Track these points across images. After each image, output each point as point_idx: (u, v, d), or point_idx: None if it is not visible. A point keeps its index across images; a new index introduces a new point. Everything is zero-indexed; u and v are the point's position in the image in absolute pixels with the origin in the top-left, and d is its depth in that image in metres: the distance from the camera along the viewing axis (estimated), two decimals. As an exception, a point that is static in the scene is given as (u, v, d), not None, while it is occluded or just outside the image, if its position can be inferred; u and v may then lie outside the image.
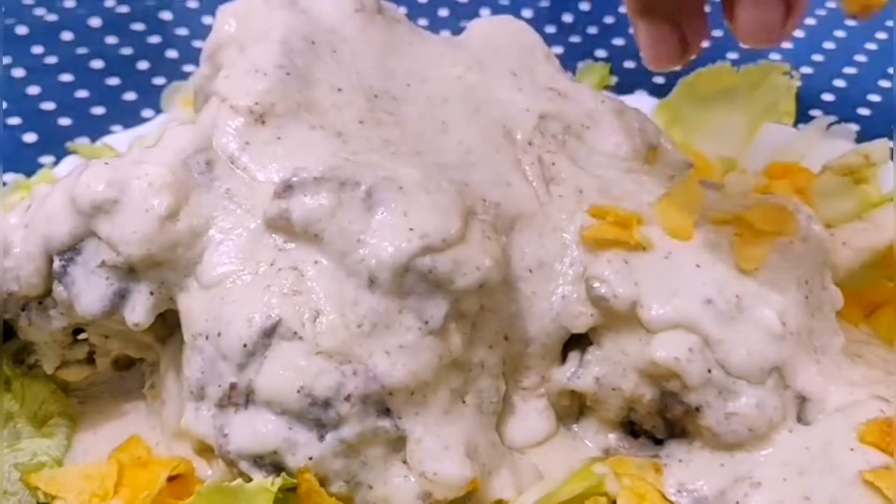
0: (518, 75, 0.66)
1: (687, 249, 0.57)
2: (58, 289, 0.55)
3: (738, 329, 0.54)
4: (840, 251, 0.69)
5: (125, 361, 0.64)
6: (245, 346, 0.51)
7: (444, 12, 1.13)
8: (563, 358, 0.60)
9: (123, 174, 0.54)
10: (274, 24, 0.65)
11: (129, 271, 0.54)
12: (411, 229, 0.52)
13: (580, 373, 0.58)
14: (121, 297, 0.55)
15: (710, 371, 0.54)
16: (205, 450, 0.55)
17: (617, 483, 0.55)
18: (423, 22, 1.12)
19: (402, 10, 1.05)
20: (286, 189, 0.54)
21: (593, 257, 0.57)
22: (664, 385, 0.55)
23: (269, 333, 0.51)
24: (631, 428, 0.59)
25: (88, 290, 0.54)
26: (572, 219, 0.59)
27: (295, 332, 0.51)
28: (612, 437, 0.59)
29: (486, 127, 0.62)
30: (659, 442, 0.58)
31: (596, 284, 0.56)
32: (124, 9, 1.13)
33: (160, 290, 0.55)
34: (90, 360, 0.61)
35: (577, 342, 0.59)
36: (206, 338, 0.52)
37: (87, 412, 0.62)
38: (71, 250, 0.55)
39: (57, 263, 0.55)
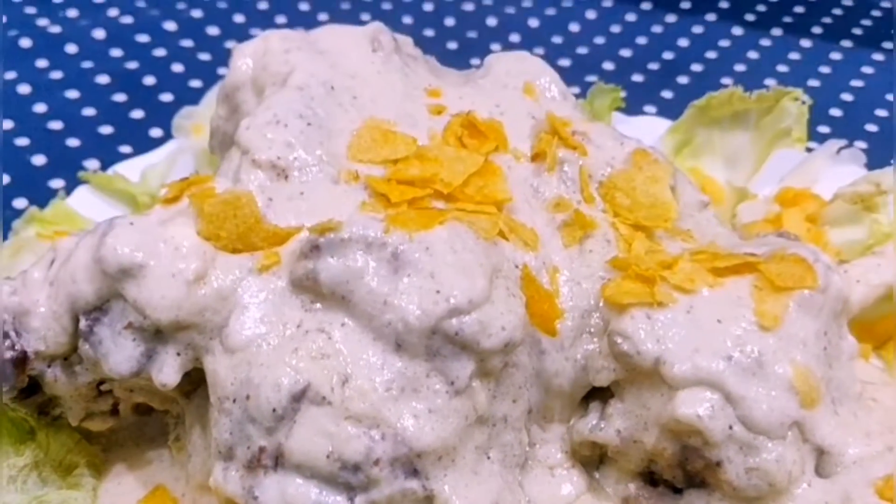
0: (536, 119, 0.66)
1: (708, 303, 0.58)
2: (84, 347, 0.55)
3: (759, 385, 0.55)
4: (853, 288, 0.70)
5: (146, 407, 0.64)
6: (274, 410, 0.52)
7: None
8: (583, 405, 0.61)
9: (150, 237, 0.54)
10: (292, 67, 0.65)
11: (156, 333, 0.55)
12: (438, 291, 0.53)
13: (602, 425, 0.58)
14: (148, 357, 0.55)
15: (731, 427, 0.55)
16: (233, 507, 0.55)
17: (638, 534, 0.56)
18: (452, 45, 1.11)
19: (430, 32, 1.05)
20: (313, 249, 0.54)
21: (616, 312, 0.57)
22: (685, 440, 0.56)
23: (299, 398, 0.52)
24: (651, 477, 0.60)
25: (116, 351, 0.54)
26: (597, 274, 0.59)
27: (324, 397, 0.52)
28: (632, 487, 0.60)
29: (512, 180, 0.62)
30: (678, 491, 0.59)
31: (619, 340, 0.57)
32: (128, 19, 1.12)
33: (187, 351, 0.55)
34: (114, 410, 0.61)
35: (597, 392, 0.60)
36: (234, 401, 0.53)
37: (111, 460, 0.63)
38: (97, 310, 0.55)
39: (83, 323, 0.55)
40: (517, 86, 0.70)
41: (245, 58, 0.67)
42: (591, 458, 0.61)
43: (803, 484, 0.56)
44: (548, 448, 0.61)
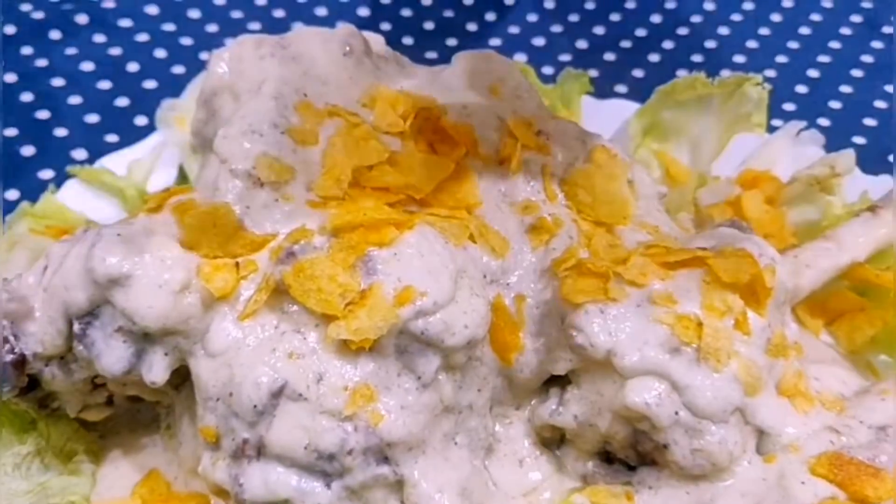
0: (502, 119, 0.69)
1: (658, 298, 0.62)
2: (78, 348, 0.60)
3: (704, 375, 0.60)
4: (804, 273, 0.74)
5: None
6: (255, 406, 0.56)
7: (429, 25, 1.14)
8: (544, 389, 0.66)
9: (136, 248, 0.57)
10: (266, 75, 0.68)
11: (145, 335, 0.59)
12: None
13: (560, 410, 0.63)
14: (137, 357, 0.59)
15: (677, 413, 0.60)
16: (221, 492, 0.60)
17: (594, 511, 0.61)
18: (407, 40, 1.13)
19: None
20: (288, 255, 0.58)
21: (572, 307, 0.61)
22: (636, 424, 0.61)
23: (277, 395, 0.56)
24: (607, 456, 0.65)
25: (108, 352, 0.59)
26: (554, 269, 0.63)
27: (300, 394, 0.56)
28: (590, 465, 0.65)
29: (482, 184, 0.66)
30: (632, 468, 0.64)
31: (574, 334, 0.61)
32: (110, 3, 1.13)
33: (174, 352, 0.59)
34: (109, 402, 0.66)
35: (556, 379, 0.65)
36: (218, 400, 0.57)
37: (108, 447, 0.67)
38: (89, 315, 0.59)
39: (77, 326, 0.59)
40: (483, 85, 0.73)
41: (221, 63, 0.69)
42: (552, 439, 0.65)
43: (744, 462, 0.61)
44: (514, 435, 0.66)
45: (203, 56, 1.08)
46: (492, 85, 0.73)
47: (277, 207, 0.61)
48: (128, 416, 0.69)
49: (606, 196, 0.68)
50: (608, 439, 0.63)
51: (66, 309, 0.59)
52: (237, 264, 0.60)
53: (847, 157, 0.85)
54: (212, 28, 1.12)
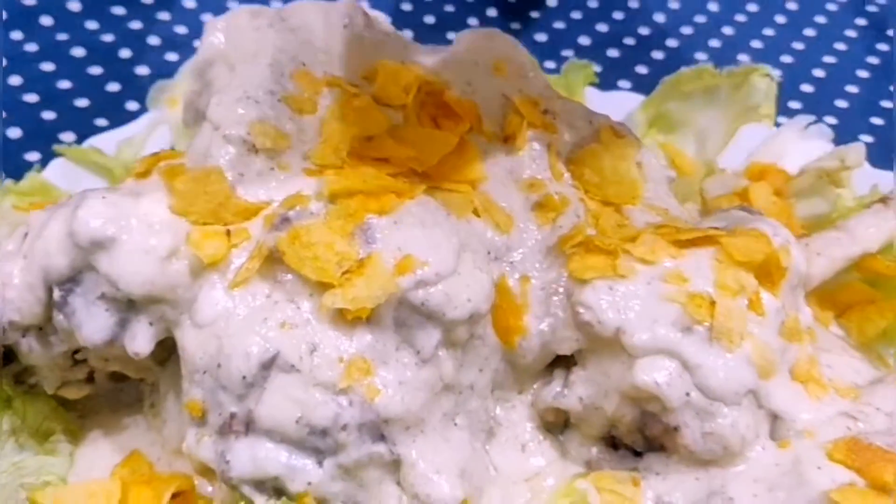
0: (507, 97, 0.67)
1: (669, 275, 0.59)
2: (58, 318, 0.57)
3: (717, 354, 0.57)
4: (815, 261, 0.72)
5: (122, 374, 0.65)
6: (244, 377, 0.53)
7: (430, 19, 1.13)
8: (548, 372, 0.63)
9: (122, 211, 0.55)
10: (263, 43, 0.65)
11: (129, 303, 0.56)
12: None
13: (565, 392, 0.60)
14: (121, 326, 0.56)
15: (688, 394, 0.57)
16: (206, 471, 0.57)
17: (598, 497, 0.58)
18: (407, 33, 1.11)
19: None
20: (283, 221, 0.55)
21: (579, 284, 0.59)
22: (644, 406, 0.58)
23: (268, 366, 0.53)
24: (612, 441, 0.62)
25: (89, 321, 0.56)
26: (561, 247, 0.60)
27: (292, 365, 0.53)
28: (595, 450, 0.62)
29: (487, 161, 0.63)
30: (638, 454, 0.61)
31: (581, 311, 0.58)
32: (104, -9, 1.11)
33: (159, 322, 0.56)
34: (89, 378, 0.62)
35: (561, 360, 0.62)
36: (205, 373, 0.54)
37: (87, 426, 0.64)
38: (70, 281, 0.56)
39: (57, 294, 0.56)
40: (487, 63, 0.71)
41: (216, 33, 0.67)
42: (556, 424, 0.62)
43: (757, 447, 0.58)
44: (516, 419, 0.63)
45: (197, 44, 1.05)
46: (496, 63, 0.71)
47: (272, 175, 0.59)
48: (110, 395, 0.66)
49: (615, 175, 0.66)
50: (614, 423, 0.60)
51: (46, 275, 0.56)
52: (228, 232, 0.57)
53: (857, 149, 0.83)
54: (207, 17, 1.10)
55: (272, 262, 0.55)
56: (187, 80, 0.69)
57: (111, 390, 0.66)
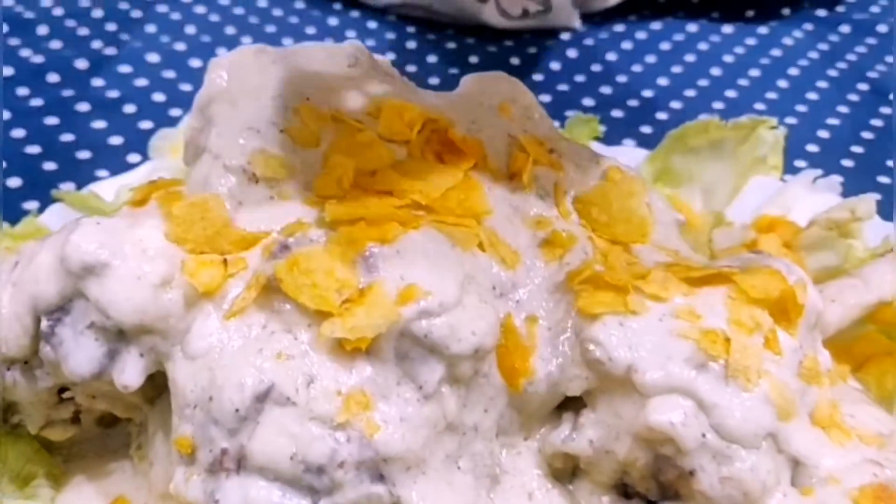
0: (513, 136, 0.66)
1: (681, 312, 0.57)
2: (45, 349, 0.54)
3: (733, 394, 0.54)
4: (829, 308, 0.70)
5: (110, 419, 0.63)
6: (237, 410, 0.51)
7: (432, 59, 1.14)
8: (556, 416, 0.60)
9: (116, 237, 0.53)
10: (267, 79, 0.65)
11: (119, 333, 0.54)
12: (407, 293, 0.52)
13: (574, 436, 0.57)
14: (110, 358, 0.54)
15: (704, 435, 0.54)
16: (194, 515, 0.53)
17: (610, 549, 0.55)
18: (410, 69, 1.13)
19: (391, 56, 1.07)
20: (282, 249, 0.53)
21: (589, 320, 0.57)
22: (658, 449, 0.55)
23: (262, 398, 0.51)
24: (624, 490, 0.58)
25: (77, 351, 0.53)
26: (569, 283, 0.58)
27: (288, 398, 0.51)
28: (606, 500, 0.58)
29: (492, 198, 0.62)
30: (652, 503, 0.58)
31: (591, 347, 0.56)
32: (111, 51, 1.13)
33: (150, 354, 0.54)
34: (75, 419, 0.60)
35: (570, 403, 0.59)
36: (195, 407, 0.52)
37: (72, 471, 0.61)
38: (59, 310, 0.54)
39: (45, 324, 0.54)
40: (493, 104, 0.70)
41: (220, 70, 0.67)
42: (564, 471, 0.59)
43: (778, 495, 0.55)
44: (522, 466, 0.60)
45: (202, 100, 1.06)
46: (502, 104, 0.70)
47: (272, 205, 0.57)
48: (96, 440, 0.63)
49: (623, 213, 0.64)
50: (627, 468, 0.57)
51: (35, 304, 0.54)
52: (225, 261, 0.55)
53: (867, 201, 0.82)
54: (213, 76, 1.10)
55: (270, 291, 0.53)
56: (189, 119, 0.68)
57: (97, 435, 0.63)
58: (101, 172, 0.94)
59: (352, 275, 0.53)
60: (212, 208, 0.56)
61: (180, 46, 1.14)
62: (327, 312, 0.52)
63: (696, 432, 0.54)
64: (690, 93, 1.14)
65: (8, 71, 1.07)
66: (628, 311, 0.56)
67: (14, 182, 0.93)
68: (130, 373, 0.54)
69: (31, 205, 0.88)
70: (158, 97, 1.06)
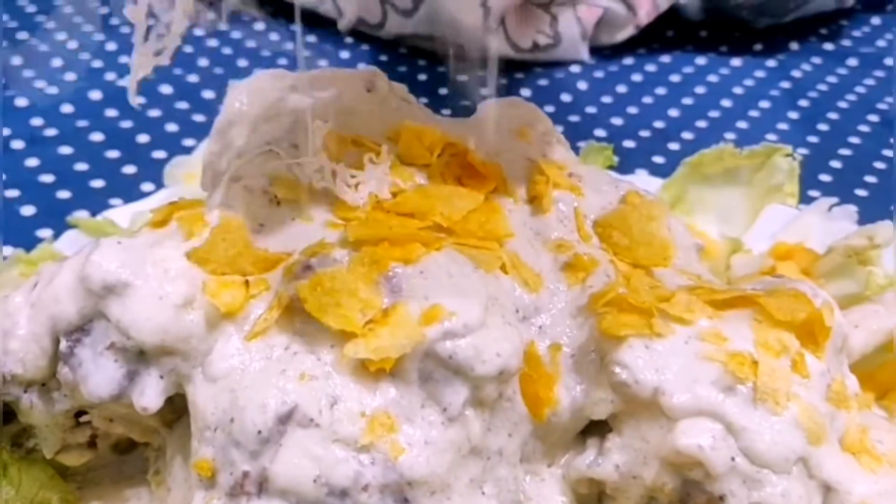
0: (531, 161, 0.66)
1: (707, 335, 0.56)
2: (63, 370, 0.54)
3: (762, 418, 0.53)
4: (852, 333, 0.69)
5: (126, 445, 0.62)
6: (259, 432, 0.50)
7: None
8: (580, 441, 0.59)
9: (137, 257, 0.53)
10: (286, 103, 0.65)
11: (139, 354, 0.53)
12: (432, 314, 0.51)
13: (600, 461, 0.56)
14: (129, 379, 0.53)
15: (734, 459, 0.53)
16: (213, 541, 0.52)
17: (638, 577, 0.53)
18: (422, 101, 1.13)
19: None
20: (305, 269, 0.53)
21: (614, 343, 0.56)
22: (686, 474, 0.54)
23: (285, 420, 0.50)
24: (651, 516, 0.57)
25: (96, 373, 0.53)
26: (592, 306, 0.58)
27: (311, 419, 0.50)
28: (632, 528, 0.57)
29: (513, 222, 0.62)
30: (680, 532, 0.56)
31: (617, 370, 0.55)
32: (125, 82, 1.13)
33: (170, 376, 0.53)
34: (91, 443, 0.59)
35: (595, 427, 0.58)
36: (216, 430, 0.51)
37: (86, 497, 0.60)
38: (79, 331, 0.53)
39: (64, 344, 0.53)
40: (511, 129, 0.70)
41: (239, 94, 0.67)
42: (590, 497, 0.58)
43: (810, 521, 0.53)
44: (546, 493, 0.58)
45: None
46: (520, 129, 0.70)
47: (294, 226, 0.57)
48: (112, 467, 0.61)
49: (644, 237, 0.64)
50: (654, 493, 0.55)
51: (54, 324, 0.53)
52: (247, 282, 0.54)
53: (886, 228, 0.82)
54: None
55: (292, 311, 0.53)
56: (207, 143, 0.68)
57: (114, 462, 0.62)
58: (115, 201, 0.94)
59: (375, 295, 0.52)
60: (233, 230, 0.55)
61: (193, 78, 1.15)
62: (351, 333, 0.51)
63: (726, 456, 0.53)
64: (702, 123, 1.15)
65: (22, 101, 1.08)
66: (653, 333, 0.56)
67: (28, 210, 0.92)
68: (150, 395, 0.53)
69: (45, 233, 0.88)
70: (171, 127, 1.07)
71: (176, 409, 0.56)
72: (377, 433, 0.50)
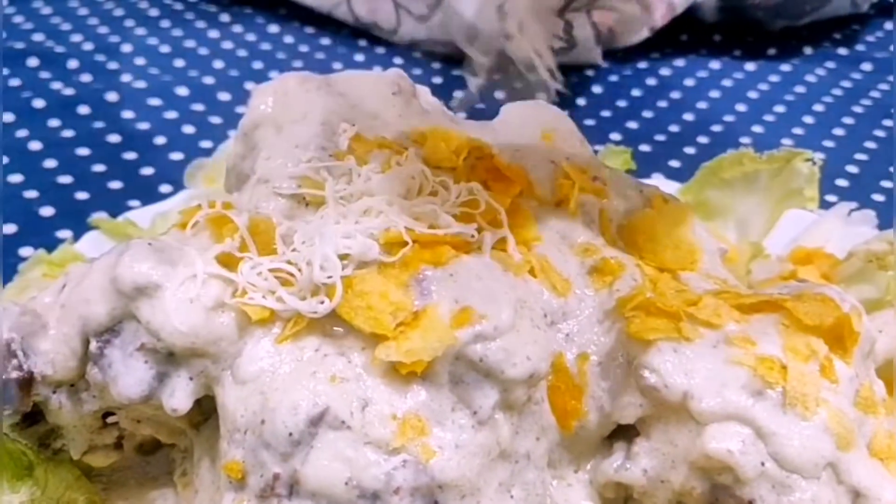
0: (556, 163, 0.66)
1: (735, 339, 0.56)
2: (92, 371, 0.54)
3: (791, 422, 0.53)
4: (877, 339, 0.69)
5: (150, 446, 0.62)
6: (290, 434, 0.50)
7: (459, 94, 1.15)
8: (608, 445, 0.59)
9: (169, 258, 0.53)
10: (313, 105, 0.65)
11: (169, 356, 0.53)
12: (462, 316, 0.51)
13: (628, 465, 0.56)
14: (159, 381, 0.53)
15: (763, 464, 0.53)
16: (242, 543, 0.52)
17: (666, 581, 0.53)
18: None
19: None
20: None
21: (642, 346, 0.56)
22: (715, 478, 0.54)
23: (316, 422, 0.50)
24: (679, 521, 0.57)
25: (126, 374, 0.53)
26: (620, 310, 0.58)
27: (343, 422, 0.50)
28: (660, 532, 0.57)
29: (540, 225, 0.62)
30: (708, 537, 0.56)
31: (646, 374, 0.55)
32: (141, 84, 1.13)
33: (199, 377, 0.53)
34: (118, 445, 0.59)
35: (622, 432, 0.58)
36: (245, 432, 0.51)
37: (112, 499, 0.60)
38: (109, 332, 0.53)
39: (94, 345, 0.53)
40: (535, 132, 0.70)
41: (265, 97, 0.67)
42: (617, 502, 0.58)
43: (840, 527, 0.53)
44: (573, 498, 0.58)
45: (231, 133, 1.06)
46: (543, 132, 0.70)
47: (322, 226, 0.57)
48: (137, 468, 0.62)
49: (670, 240, 0.64)
50: (682, 497, 0.55)
51: (84, 325, 0.53)
52: (277, 285, 0.54)
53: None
54: (241, 109, 1.11)
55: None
56: (231, 146, 0.68)
57: (139, 463, 0.62)
58: (133, 202, 0.94)
59: (406, 297, 0.52)
60: (263, 231, 0.55)
61: (209, 80, 1.15)
62: (382, 335, 0.51)
63: (756, 461, 0.53)
64: (717, 128, 1.15)
65: (39, 103, 1.08)
66: (682, 337, 0.56)
67: (47, 211, 0.93)
68: (179, 396, 0.53)
69: (65, 233, 0.88)
70: (188, 129, 1.07)
71: (204, 410, 0.56)
72: (408, 436, 0.50)
